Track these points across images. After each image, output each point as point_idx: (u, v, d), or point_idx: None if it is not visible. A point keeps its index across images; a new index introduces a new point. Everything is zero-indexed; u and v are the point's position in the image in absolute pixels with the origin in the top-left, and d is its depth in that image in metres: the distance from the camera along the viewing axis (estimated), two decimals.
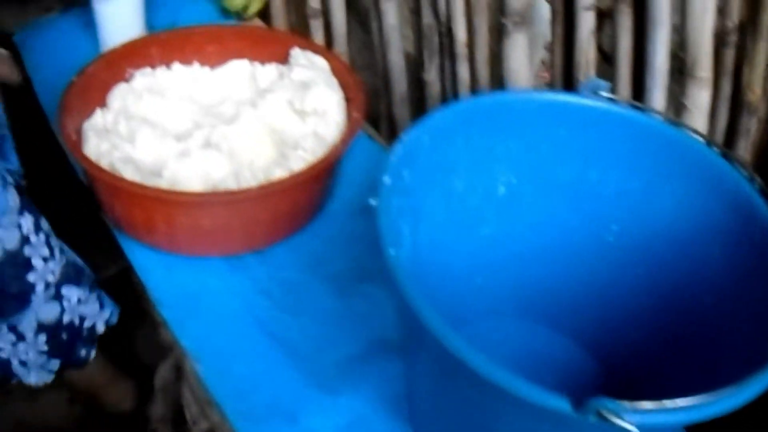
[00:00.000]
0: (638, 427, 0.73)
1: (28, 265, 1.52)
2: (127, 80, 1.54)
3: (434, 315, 0.81)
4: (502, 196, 1.18)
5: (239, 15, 1.87)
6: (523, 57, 1.38)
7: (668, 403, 0.75)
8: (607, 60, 1.29)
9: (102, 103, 1.49)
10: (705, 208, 1.05)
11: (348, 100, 1.44)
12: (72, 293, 1.63)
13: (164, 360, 1.50)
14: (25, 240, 1.50)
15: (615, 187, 1.15)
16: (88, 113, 1.46)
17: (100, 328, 1.72)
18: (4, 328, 1.56)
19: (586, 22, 1.27)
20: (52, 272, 1.56)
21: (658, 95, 1.21)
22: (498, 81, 1.45)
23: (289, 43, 1.57)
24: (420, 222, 1.10)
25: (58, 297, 1.60)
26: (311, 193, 1.37)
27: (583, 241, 1.19)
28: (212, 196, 1.30)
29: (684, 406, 0.75)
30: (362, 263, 1.37)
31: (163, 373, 1.50)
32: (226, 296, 1.34)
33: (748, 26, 1.11)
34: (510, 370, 0.77)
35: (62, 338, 1.64)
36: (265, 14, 1.93)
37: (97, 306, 1.70)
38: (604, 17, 1.27)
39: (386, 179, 0.98)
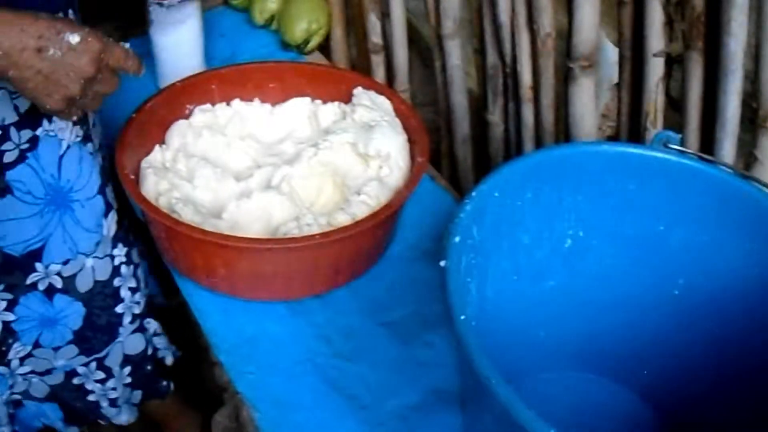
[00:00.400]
0: None
1: (116, 297, 1.51)
2: (186, 117, 1.54)
3: (498, 378, 0.80)
4: (569, 248, 1.17)
5: (299, 49, 1.87)
6: (588, 102, 1.35)
7: None
8: (675, 107, 1.27)
9: (161, 140, 1.48)
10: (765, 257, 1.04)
11: (412, 142, 1.42)
12: (151, 325, 1.64)
13: (222, 405, 1.49)
14: (116, 271, 1.49)
15: (682, 240, 1.13)
16: (147, 150, 1.45)
17: (169, 360, 1.73)
18: (93, 366, 1.56)
19: (656, 69, 1.25)
20: (138, 303, 1.56)
21: (728, 146, 1.19)
22: (563, 125, 1.42)
23: (352, 81, 1.55)
24: (487, 277, 1.09)
25: (141, 329, 1.60)
26: (374, 239, 1.36)
27: (649, 293, 1.17)
28: (273, 242, 1.29)
29: None
30: (424, 310, 1.35)
31: (220, 420, 1.49)
32: (284, 341, 1.32)
33: None
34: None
35: (146, 370, 1.65)
36: (325, 48, 1.92)
37: (167, 340, 1.71)
38: (674, 63, 1.24)
39: (456, 239, 0.97)
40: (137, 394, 1.68)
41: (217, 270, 1.33)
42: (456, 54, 1.60)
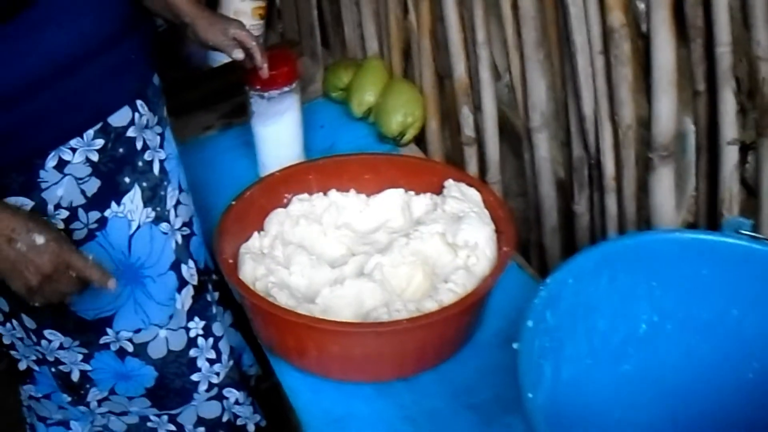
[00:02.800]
0: None
1: (192, 365, 1.56)
2: (284, 205, 1.62)
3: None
4: (644, 333, 1.20)
5: (396, 141, 1.94)
6: (668, 191, 1.38)
7: None
8: (751, 193, 1.29)
9: (259, 227, 1.57)
10: None
11: (499, 233, 1.47)
12: (232, 394, 1.68)
13: None
14: (192, 342, 1.55)
15: (756, 324, 1.15)
16: (246, 236, 1.54)
17: (251, 429, 1.76)
18: (165, 419, 1.61)
19: (730, 157, 1.27)
20: (217, 374, 1.61)
21: None
22: (645, 214, 1.45)
23: (444, 173, 1.62)
24: (561, 361, 1.12)
25: (219, 397, 1.64)
26: (460, 325, 1.41)
27: (723, 377, 1.19)
28: (363, 326, 1.36)
29: None
30: (506, 394, 1.38)
31: None
32: (372, 422, 1.37)
33: None
34: None
35: None
36: (420, 140, 1.99)
37: (251, 409, 1.74)
38: (748, 150, 1.27)
39: (529, 323, 1.01)
40: None
41: (308, 351, 1.40)
42: (544, 146, 1.65)
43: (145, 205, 1.41)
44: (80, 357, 1.48)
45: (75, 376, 1.51)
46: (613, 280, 1.14)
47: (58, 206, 1.30)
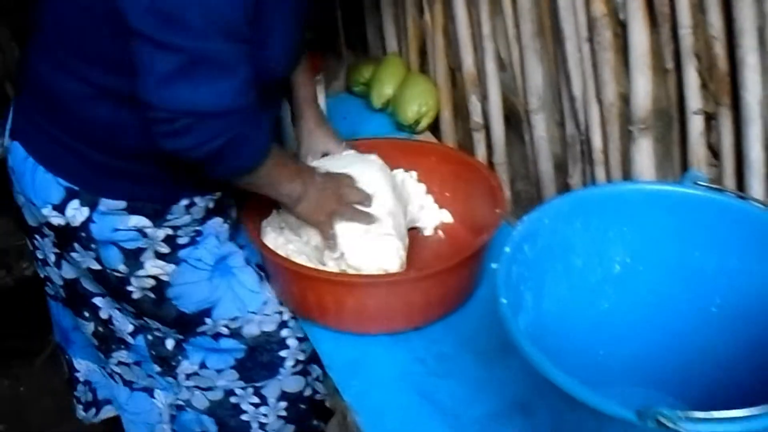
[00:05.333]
0: None
1: (282, 344, 1.71)
2: None
3: (527, 342, 1.02)
4: (618, 274, 1.37)
5: (411, 129, 2.14)
6: (648, 159, 1.56)
7: (717, 414, 0.91)
8: (716, 157, 1.47)
9: (277, 205, 1.75)
10: None
11: (492, 197, 1.69)
12: (316, 370, 1.79)
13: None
14: (283, 324, 1.69)
15: (716, 265, 1.31)
16: (267, 214, 1.74)
17: (328, 404, 1.84)
18: (250, 391, 1.74)
19: (696, 125, 1.45)
20: (304, 351, 1.74)
21: (756, 185, 1.37)
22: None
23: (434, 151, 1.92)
24: (543, 294, 1.30)
25: (304, 373, 1.78)
26: (460, 278, 1.60)
27: (691, 313, 1.35)
28: (375, 278, 1.56)
29: (731, 417, 0.91)
30: (506, 340, 1.55)
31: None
32: (386, 362, 1.57)
33: None
34: (590, 388, 0.96)
35: (301, 408, 1.81)
36: (435, 128, 2.20)
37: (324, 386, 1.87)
38: (712, 120, 1.45)
39: (507, 249, 1.20)
40: (289, 428, 1.82)
41: (327, 306, 1.59)
42: (541, 126, 1.84)
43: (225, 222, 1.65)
44: (176, 339, 1.68)
45: (170, 345, 1.69)
46: (586, 223, 1.31)
47: (171, 228, 1.54)
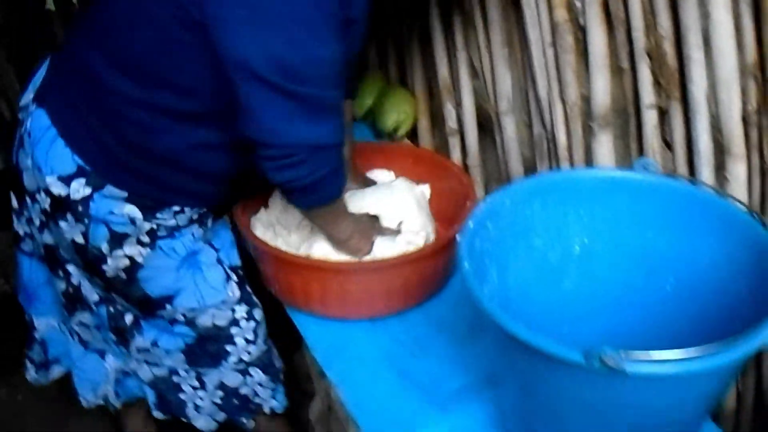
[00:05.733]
0: (636, 375, 1.01)
1: (230, 340, 1.83)
2: None
3: (486, 297, 1.14)
4: (578, 254, 1.48)
5: (390, 136, 2.26)
6: (608, 153, 1.68)
7: (656, 354, 1.01)
8: (669, 148, 1.59)
9: (266, 204, 1.90)
10: (736, 256, 1.30)
11: (463, 192, 1.82)
12: (257, 375, 1.91)
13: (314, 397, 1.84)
14: (234, 323, 1.81)
15: (668, 245, 1.41)
16: (255, 211, 1.88)
17: (266, 410, 1.99)
18: (193, 374, 1.87)
19: (650, 118, 1.58)
20: (249, 353, 1.86)
21: (705, 171, 1.49)
22: None
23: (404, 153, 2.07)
24: (508, 271, 1.41)
25: (244, 372, 1.90)
26: (435, 266, 1.72)
27: (648, 291, 1.45)
28: (357, 264, 1.69)
29: (669, 358, 1.01)
30: (479, 322, 1.66)
31: (315, 407, 1.84)
32: (367, 344, 1.69)
33: (763, 108, 1.40)
34: (540, 334, 1.08)
35: (233, 402, 1.94)
36: (413, 135, 2.33)
37: (270, 393, 1.97)
38: (665, 114, 1.57)
39: (470, 223, 1.32)
40: (221, 415, 1.96)
41: (312, 292, 1.71)
42: (511, 128, 1.96)
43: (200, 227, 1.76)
44: (134, 316, 1.80)
45: (128, 320, 1.81)
46: (545, 206, 1.43)
47: (156, 224, 1.65)
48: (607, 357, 1.02)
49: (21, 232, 1.81)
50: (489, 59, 1.96)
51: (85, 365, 1.97)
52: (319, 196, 1.58)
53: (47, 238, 1.71)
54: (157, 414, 2.00)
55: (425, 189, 1.94)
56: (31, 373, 2.04)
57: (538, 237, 1.45)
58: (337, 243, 1.71)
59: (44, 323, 1.96)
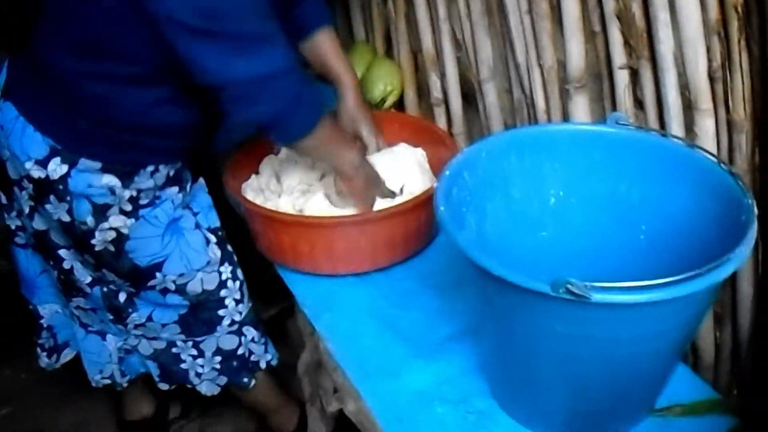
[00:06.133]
0: (600, 303, 1.08)
1: (221, 303, 1.92)
2: (275, 153, 2.04)
3: (458, 232, 1.22)
4: (554, 205, 1.55)
5: (378, 107, 2.33)
6: (584, 114, 1.75)
7: (619, 283, 1.08)
8: (641, 106, 1.66)
9: (255, 171, 1.99)
10: (706, 205, 1.36)
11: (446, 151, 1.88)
12: (250, 333, 2.02)
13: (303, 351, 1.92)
14: (222, 284, 1.90)
15: (641, 196, 1.48)
16: (246, 177, 1.97)
17: (263, 365, 2.10)
18: (190, 344, 1.97)
19: (621, 79, 1.65)
20: (240, 313, 1.96)
21: (675, 127, 1.55)
22: None
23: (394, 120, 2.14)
24: (486, 219, 1.48)
25: (239, 333, 2.00)
26: (418, 220, 1.79)
27: (621, 241, 1.51)
28: (342, 218, 1.76)
29: (632, 287, 1.08)
30: (462, 275, 1.73)
31: (303, 361, 1.92)
32: (353, 299, 1.77)
33: (727, 64, 1.47)
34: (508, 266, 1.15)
35: (232, 364, 2.04)
36: (400, 106, 2.40)
37: (263, 348, 2.08)
38: (637, 74, 1.64)
39: (446, 172, 1.39)
40: (222, 379, 2.06)
41: (301, 249, 1.78)
42: (492, 94, 2.04)
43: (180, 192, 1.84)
44: (128, 292, 1.89)
45: (122, 298, 1.89)
46: (521, 159, 1.50)
47: (136, 190, 1.73)
48: (572, 286, 1.09)
49: (13, 226, 1.91)
50: (470, 29, 2.03)
51: (88, 347, 2.06)
52: (293, 128, 1.63)
53: (38, 224, 1.80)
54: (162, 385, 2.10)
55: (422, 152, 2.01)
56: (43, 360, 2.15)
57: (515, 188, 1.52)
58: (345, 178, 1.77)
59: (48, 310, 2.06)
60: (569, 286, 1.09)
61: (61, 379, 2.40)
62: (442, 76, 2.19)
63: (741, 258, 1.15)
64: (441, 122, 2.24)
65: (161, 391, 2.16)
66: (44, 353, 2.13)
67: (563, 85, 1.78)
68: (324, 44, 1.92)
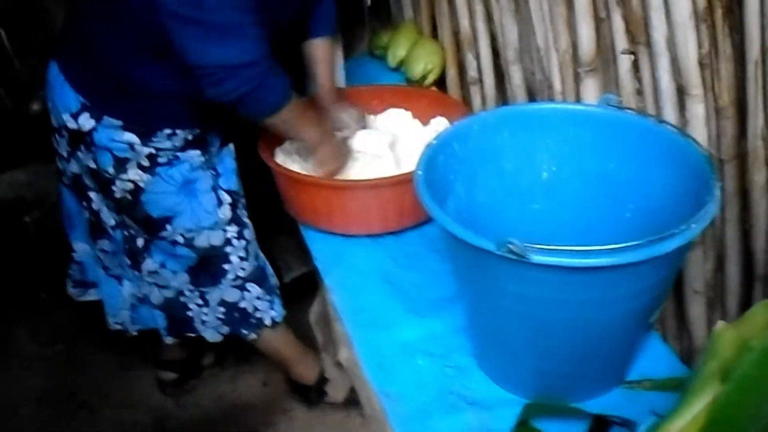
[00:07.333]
0: (544, 266, 1.17)
1: (226, 258, 2.10)
2: None
3: (426, 192, 1.32)
4: (546, 179, 1.63)
5: (419, 83, 2.45)
6: (593, 96, 1.84)
7: (557, 246, 1.17)
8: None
9: None
10: (683, 182, 1.42)
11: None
12: (254, 289, 2.19)
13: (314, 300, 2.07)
14: (227, 242, 2.09)
15: (628, 174, 1.55)
16: (280, 142, 2.10)
17: (267, 322, 2.26)
18: (197, 294, 2.15)
19: (624, 64, 1.73)
20: (243, 269, 2.14)
21: (669, 111, 1.63)
22: None
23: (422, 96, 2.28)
24: (476, 188, 1.57)
25: (242, 288, 2.17)
26: None
27: (609, 217, 1.58)
28: (356, 182, 1.90)
29: (568, 250, 1.17)
30: None
31: (314, 310, 2.06)
32: (363, 257, 1.90)
33: (714, 52, 1.54)
34: (463, 226, 1.25)
35: (235, 316, 2.21)
36: (442, 83, 2.53)
37: (268, 305, 2.23)
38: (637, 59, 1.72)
39: (434, 141, 1.49)
40: (225, 328, 2.23)
41: (318, 208, 1.93)
42: (517, 75, 2.13)
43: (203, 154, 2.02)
44: (144, 239, 2.07)
45: (140, 243, 2.08)
46: (514, 134, 1.59)
47: (154, 149, 1.92)
48: (513, 246, 1.18)
49: (61, 167, 2.11)
50: (499, 13, 2.13)
51: (107, 290, 2.28)
52: (256, 109, 1.81)
53: (74, 167, 2.02)
54: (168, 339, 2.30)
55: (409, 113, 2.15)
56: (69, 288, 2.37)
57: (507, 161, 1.61)
58: (308, 150, 1.97)
59: (81, 247, 2.27)
60: (511, 245, 1.18)
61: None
62: (478, 57, 2.29)
63: (688, 236, 1.23)
64: (476, 100, 2.35)
65: (195, 340, 2.34)
66: (71, 282, 2.36)
67: (576, 68, 1.86)
68: (317, 52, 2.11)
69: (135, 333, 2.34)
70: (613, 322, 1.36)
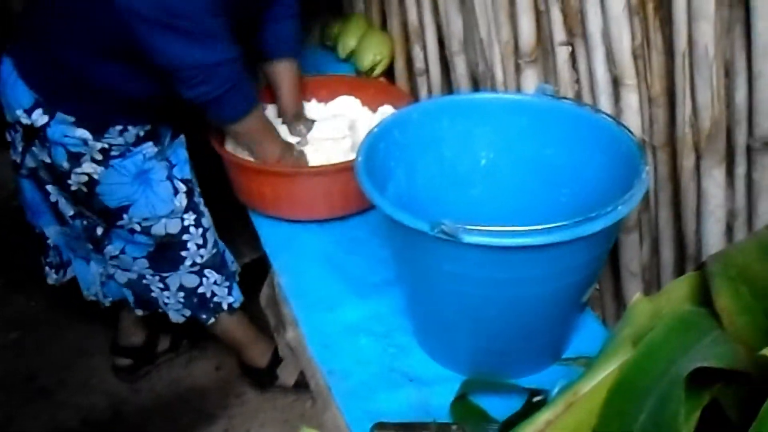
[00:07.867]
0: (474, 246, 1.23)
1: (183, 246, 2.17)
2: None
3: (366, 177, 1.38)
4: (484, 165, 1.69)
5: (368, 74, 2.51)
6: (533, 86, 1.90)
7: (486, 227, 1.23)
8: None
9: None
10: (615, 167, 1.48)
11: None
12: (212, 275, 2.26)
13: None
14: (185, 229, 2.15)
15: (563, 160, 1.61)
16: None
17: (224, 307, 2.33)
18: (157, 279, 2.22)
19: (561, 55, 1.79)
20: (201, 256, 2.21)
21: (604, 100, 1.69)
22: None
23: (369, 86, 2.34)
24: (416, 173, 1.63)
25: (200, 274, 2.24)
26: None
27: (545, 201, 1.64)
28: (301, 169, 1.96)
29: (497, 230, 1.23)
30: None
31: (264, 293, 2.11)
32: (310, 242, 1.95)
33: (646, 44, 1.61)
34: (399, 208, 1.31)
35: (194, 301, 2.27)
36: (390, 74, 2.58)
37: (226, 291, 2.31)
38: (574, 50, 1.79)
39: (375, 129, 1.55)
40: (186, 311, 2.30)
41: (265, 194, 1.98)
42: (461, 66, 2.18)
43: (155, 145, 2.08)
44: (103, 228, 2.13)
45: (99, 232, 2.15)
46: (453, 122, 1.64)
47: (107, 144, 1.98)
48: (445, 226, 1.24)
49: (17, 160, 2.14)
50: (444, 5, 2.18)
51: (78, 268, 2.35)
52: (227, 111, 1.88)
53: (29, 162, 2.08)
54: (138, 311, 2.37)
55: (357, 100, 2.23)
56: (51, 276, 2.40)
57: (447, 148, 1.66)
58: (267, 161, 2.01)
59: (53, 231, 2.31)
60: (444, 226, 1.23)
61: (71, 308, 2.70)
62: (425, 48, 2.34)
63: (614, 216, 1.30)
64: (423, 91, 2.40)
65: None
66: (52, 270, 2.39)
67: (517, 59, 1.93)
68: (280, 74, 2.18)
69: (108, 304, 2.42)
70: (546, 301, 1.42)
